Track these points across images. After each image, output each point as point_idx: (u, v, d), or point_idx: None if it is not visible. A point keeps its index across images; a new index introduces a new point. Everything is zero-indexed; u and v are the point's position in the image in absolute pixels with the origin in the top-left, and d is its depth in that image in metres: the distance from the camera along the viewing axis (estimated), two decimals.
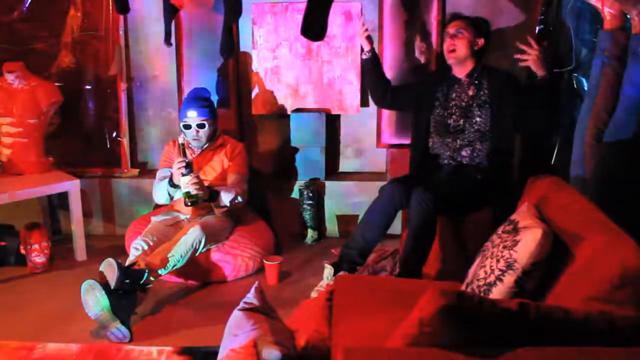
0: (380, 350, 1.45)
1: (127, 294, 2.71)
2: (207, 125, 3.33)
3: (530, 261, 1.71)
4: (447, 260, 2.89)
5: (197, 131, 3.33)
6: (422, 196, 2.69)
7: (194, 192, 3.01)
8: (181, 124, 3.37)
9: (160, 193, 3.31)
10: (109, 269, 2.71)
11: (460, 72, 3.04)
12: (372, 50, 3.27)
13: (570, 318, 1.40)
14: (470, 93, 2.99)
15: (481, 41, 3.02)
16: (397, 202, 2.87)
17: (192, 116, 3.31)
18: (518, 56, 2.89)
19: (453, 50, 2.98)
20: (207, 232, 3.05)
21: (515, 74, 3.14)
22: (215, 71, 3.95)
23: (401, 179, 3.02)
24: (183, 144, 3.06)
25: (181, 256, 2.95)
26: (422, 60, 3.77)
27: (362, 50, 3.32)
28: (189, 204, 3.06)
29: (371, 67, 3.30)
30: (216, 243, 3.21)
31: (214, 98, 3.77)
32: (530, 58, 2.86)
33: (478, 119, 2.95)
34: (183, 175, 3.00)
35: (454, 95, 3.04)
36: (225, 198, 3.20)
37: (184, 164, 3.00)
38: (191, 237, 2.99)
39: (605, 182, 2.58)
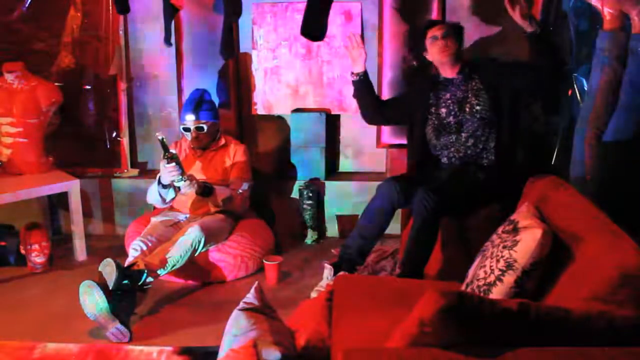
0: (380, 350, 1.45)
1: (126, 294, 2.71)
2: (205, 128, 3.33)
3: (530, 261, 1.71)
4: (448, 260, 2.89)
5: (196, 134, 3.34)
6: (425, 196, 2.69)
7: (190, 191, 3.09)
8: (181, 127, 3.38)
9: (152, 196, 3.30)
10: (108, 269, 2.71)
11: (451, 72, 3.04)
12: (365, 71, 3.17)
13: (570, 318, 1.40)
14: (463, 88, 3.01)
15: (460, 45, 3.07)
16: (394, 201, 2.86)
17: (190, 120, 3.33)
18: (507, 5, 2.84)
19: (447, 48, 2.98)
20: (206, 232, 3.05)
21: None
22: (215, 71, 3.95)
23: (399, 177, 3.01)
24: (162, 139, 2.93)
25: (180, 256, 2.95)
26: (421, 60, 3.77)
27: (352, 72, 3.19)
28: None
29: (363, 87, 3.20)
30: (216, 243, 3.21)
31: (214, 98, 3.77)
32: (514, 15, 2.82)
33: (478, 107, 2.95)
34: (176, 182, 3.01)
35: (448, 95, 3.03)
36: (219, 196, 3.21)
37: (176, 173, 2.96)
38: (190, 237, 3.00)
39: (605, 182, 2.59)
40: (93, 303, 2.60)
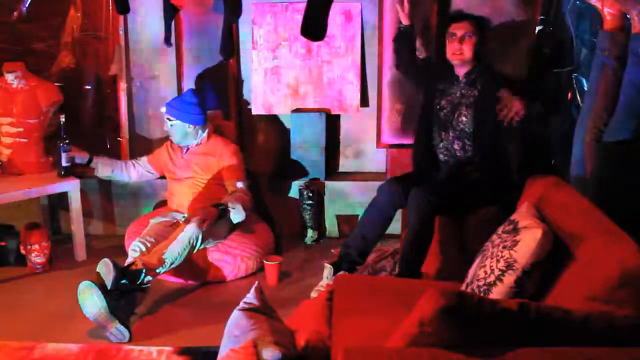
0: (380, 350, 1.45)
1: (125, 294, 2.71)
2: (172, 124, 3.35)
3: (530, 261, 1.71)
4: (447, 260, 2.89)
5: (168, 127, 3.40)
6: (421, 196, 2.69)
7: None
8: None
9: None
10: (106, 269, 2.71)
11: (459, 71, 3.02)
12: (410, 25, 3.32)
13: (570, 318, 1.40)
14: (462, 92, 2.98)
15: (483, 43, 2.98)
16: (395, 201, 2.87)
17: (163, 111, 3.41)
18: (502, 118, 2.80)
19: (460, 54, 2.94)
20: (203, 229, 3.05)
21: (511, 76, 3.12)
22: (215, 71, 3.94)
23: (399, 178, 3.01)
24: (61, 122, 3.40)
25: (178, 254, 2.95)
26: (422, 58, 3.77)
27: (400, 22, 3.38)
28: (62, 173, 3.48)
29: (402, 38, 3.38)
30: (214, 241, 3.21)
31: (213, 98, 3.79)
32: (512, 114, 2.78)
33: (464, 118, 2.94)
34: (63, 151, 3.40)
35: (450, 91, 3.03)
36: (235, 217, 3.20)
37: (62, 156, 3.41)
38: (187, 235, 2.99)
39: (605, 182, 2.59)
40: (92, 304, 2.60)
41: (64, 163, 3.44)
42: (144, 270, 2.80)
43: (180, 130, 3.36)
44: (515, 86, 2.93)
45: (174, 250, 2.94)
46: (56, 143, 3.47)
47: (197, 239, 3.01)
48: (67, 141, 3.42)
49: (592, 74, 2.68)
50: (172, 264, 2.94)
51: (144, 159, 3.58)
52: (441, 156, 3.05)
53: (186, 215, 3.34)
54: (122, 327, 2.60)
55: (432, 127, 3.08)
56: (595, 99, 2.63)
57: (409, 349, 1.39)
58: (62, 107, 3.77)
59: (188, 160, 3.42)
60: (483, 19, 3.02)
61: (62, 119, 3.44)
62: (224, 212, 3.15)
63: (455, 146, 2.99)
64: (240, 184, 3.34)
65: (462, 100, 2.97)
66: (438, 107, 3.04)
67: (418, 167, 3.15)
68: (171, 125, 3.36)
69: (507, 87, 2.89)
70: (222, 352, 1.85)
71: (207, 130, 3.42)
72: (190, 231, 3.00)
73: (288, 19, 3.84)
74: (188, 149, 3.43)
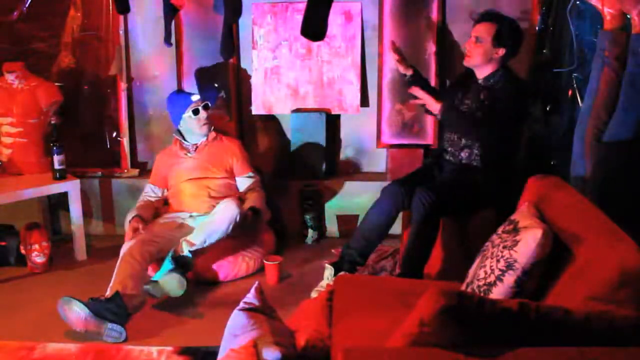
0: (380, 350, 1.45)
1: (111, 300, 2.69)
2: (210, 107, 3.43)
3: (530, 261, 1.71)
4: (448, 260, 2.89)
5: (206, 113, 3.38)
6: (425, 196, 2.68)
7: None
8: (190, 112, 3.33)
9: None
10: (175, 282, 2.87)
11: (479, 73, 2.92)
12: (415, 72, 3.18)
13: (570, 318, 1.40)
14: (481, 97, 2.88)
15: (501, 51, 2.82)
16: (398, 203, 2.86)
17: (196, 100, 3.37)
18: (413, 101, 3.03)
19: (468, 56, 2.89)
20: (239, 206, 3.13)
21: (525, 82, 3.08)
22: (215, 71, 3.94)
23: (403, 179, 3.00)
24: (55, 125, 3.46)
25: (222, 232, 3.06)
26: (424, 58, 3.77)
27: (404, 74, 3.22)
28: None
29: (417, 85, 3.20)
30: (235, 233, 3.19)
31: (213, 98, 3.78)
32: (424, 101, 2.94)
33: None
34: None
35: (469, 95, 2.95)
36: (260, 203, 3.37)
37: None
38: (228, 214, 3.06)
39: (605, 182, 2.59)
40: (75, 315, 2.60)
41: (56, 166, 3.44)
42: (190, 256, 2.97)
43: (208, 118, 3.41)
44: (531, 95, 2.96)
45: (218, 230, 3.04)
46: (49, 146, 3.50)
47: (237, 216, 3.08)
48: (59, 143, 3.43)
49: (592, 74, 2.68)
50: (211, 243, 3.06)
51: (149, 187, 3.51)
52: (447, 156, 3.04)
53: (193, 214, 3.32)
54: (114, 325, 2.60)
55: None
56: (595, 99, 2.63)
57: (409, 348, 1.39)
58: (62, 107, 3.77)
59: (197, 159, 3.41)
60: (507, 24, 2.83)
61: (53, 121, 3.48)
62: (259, 214, 3.29)
63: (463, 154, 2.95)
64: (252, 179, 3.44)
65: (471, 104, 2.90)
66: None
67: (425, 162, 3.13)
68: (210, 110, 3.41)
69: (520, 97, 2.87)
70: (222, 352, 1.85)
71: (212, 126, 3.46)
72: (230, 208, 3.07)
73: (288, 19, 3.84)
74: (197, 148, 3.43)
